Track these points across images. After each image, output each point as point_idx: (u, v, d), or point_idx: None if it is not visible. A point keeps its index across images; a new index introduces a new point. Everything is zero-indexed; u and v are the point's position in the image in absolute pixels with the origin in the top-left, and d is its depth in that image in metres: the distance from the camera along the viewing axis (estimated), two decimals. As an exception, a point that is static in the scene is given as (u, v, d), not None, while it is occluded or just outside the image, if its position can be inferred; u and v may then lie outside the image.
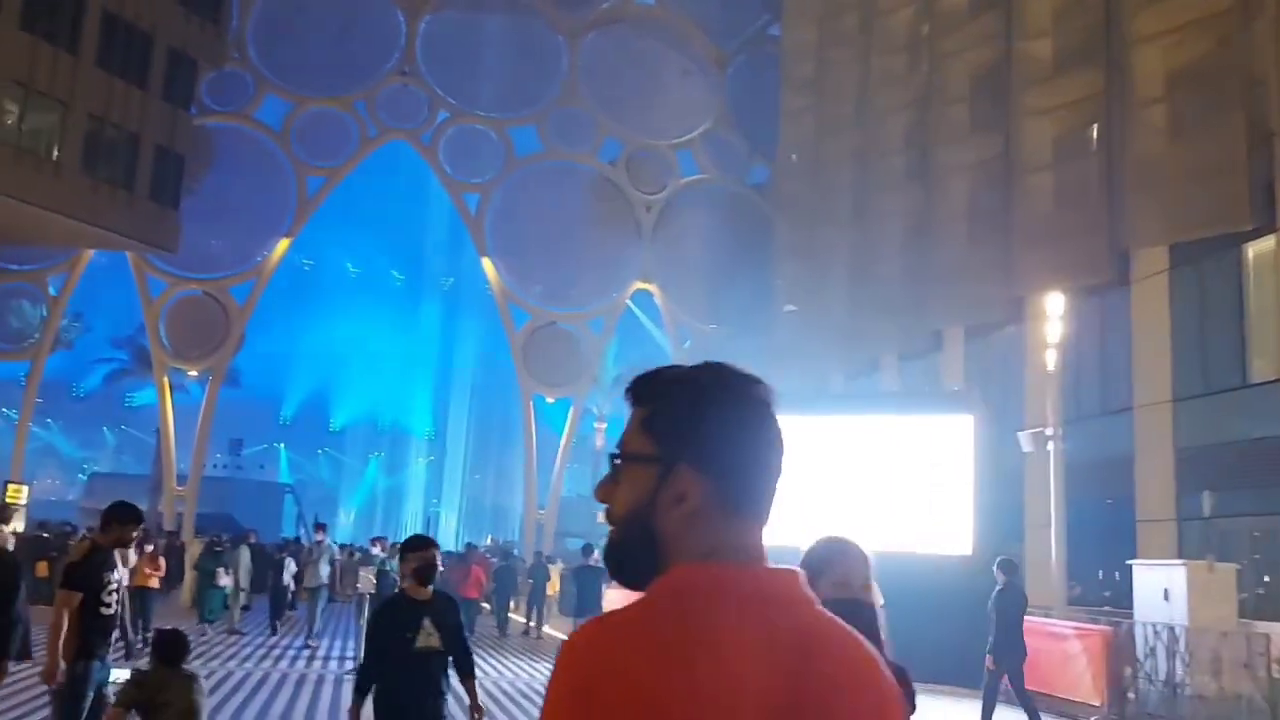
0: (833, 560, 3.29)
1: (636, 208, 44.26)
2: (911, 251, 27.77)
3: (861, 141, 30.48)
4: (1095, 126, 21.67)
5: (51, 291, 39.45)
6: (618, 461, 1.45)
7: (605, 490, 1.45)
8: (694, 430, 1.39)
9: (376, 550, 19.73)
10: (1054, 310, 19.12)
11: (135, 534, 7.98)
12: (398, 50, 43.78)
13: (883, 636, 3.03)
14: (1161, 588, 15.34)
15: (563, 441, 42.87)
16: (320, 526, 21.93)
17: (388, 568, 17.78)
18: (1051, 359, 19.00)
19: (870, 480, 19.42)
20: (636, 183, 44.51)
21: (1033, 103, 22.97)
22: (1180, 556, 17.45)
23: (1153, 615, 15.12)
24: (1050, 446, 19.45)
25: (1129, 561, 17.56)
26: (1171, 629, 14.48)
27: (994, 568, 13.03)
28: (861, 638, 1.39)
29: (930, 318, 26.19)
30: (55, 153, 30.91)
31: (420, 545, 6.31)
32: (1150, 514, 18.92)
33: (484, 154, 44.05)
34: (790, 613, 1.33)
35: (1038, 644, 14.10)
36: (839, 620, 1.38)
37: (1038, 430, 19.73)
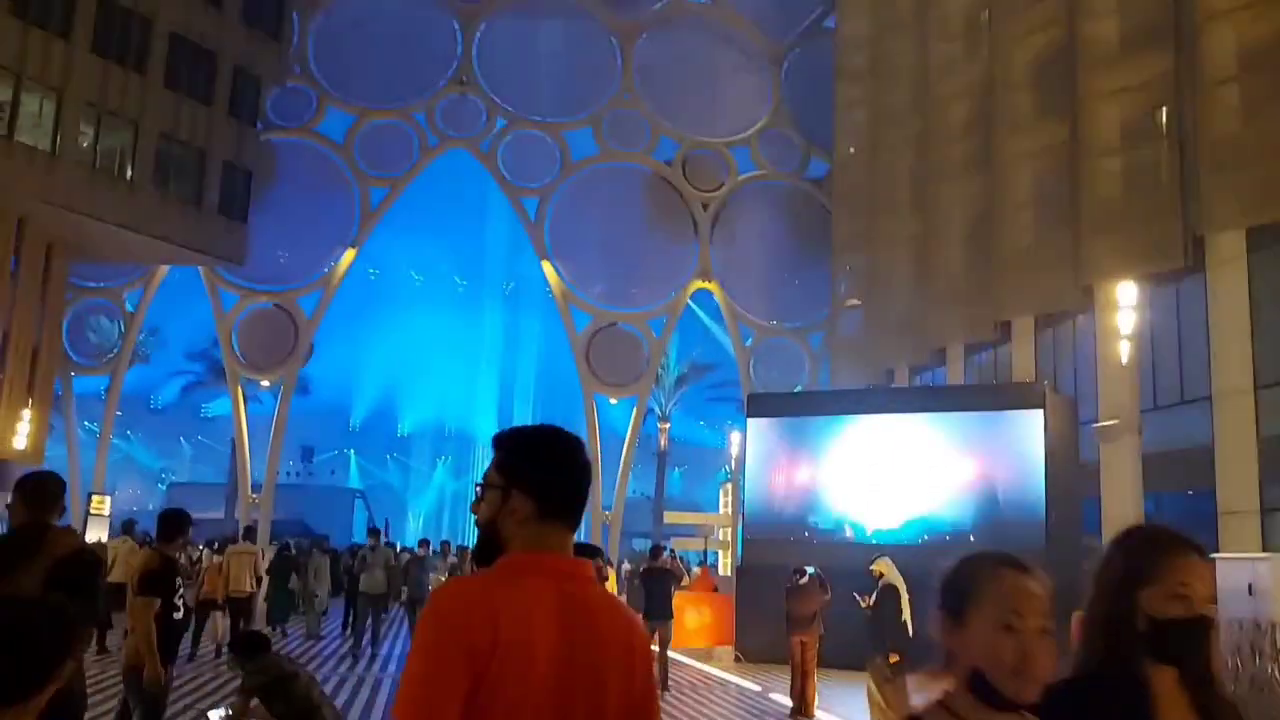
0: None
1: (694, 206, 44.18)
2: (976, 241, 27.33)
3: (921, 131, 30.07)
4: (1165, 108, 21.08)
5: (128, 307, 40.64)
6: (479, 488, 2.25)
7: (475, 507, 2.24)
8: (524, 469, 2.21)
9: (422, 552, 20.12)
10: (1126, 299, 18.66)
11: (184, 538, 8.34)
12: (455, 60, 44.26)
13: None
14: (1246, 582, 14.88)
15: (626, 442, 42.94)
16: (375, 531, 20.91)
17: (460, 572, 18.01)
18: (1125, 349, 18.54)
19: (939, 476, 19.16)
20: (693, 181, 44.43)
21: (1099, 85, 22.44)
22: (1265, 549, 16.91)
23: (1238, 611, 14.67)
24: (1126, 438, 19.01)
25: (1212, 555, 17.07)
26: (1257, 624, 14.04)
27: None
28: (623, 605, 2.34)
29: (997, 308, 25.72)
30: (128, 171, 31.81)
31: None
32: (1233, 505, 18.35)
33: (541, 158, 44.34)
34: (578, 586, 2.15)
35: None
36: (612, 595, 2.36)
37: (1113, 422, 19.28)
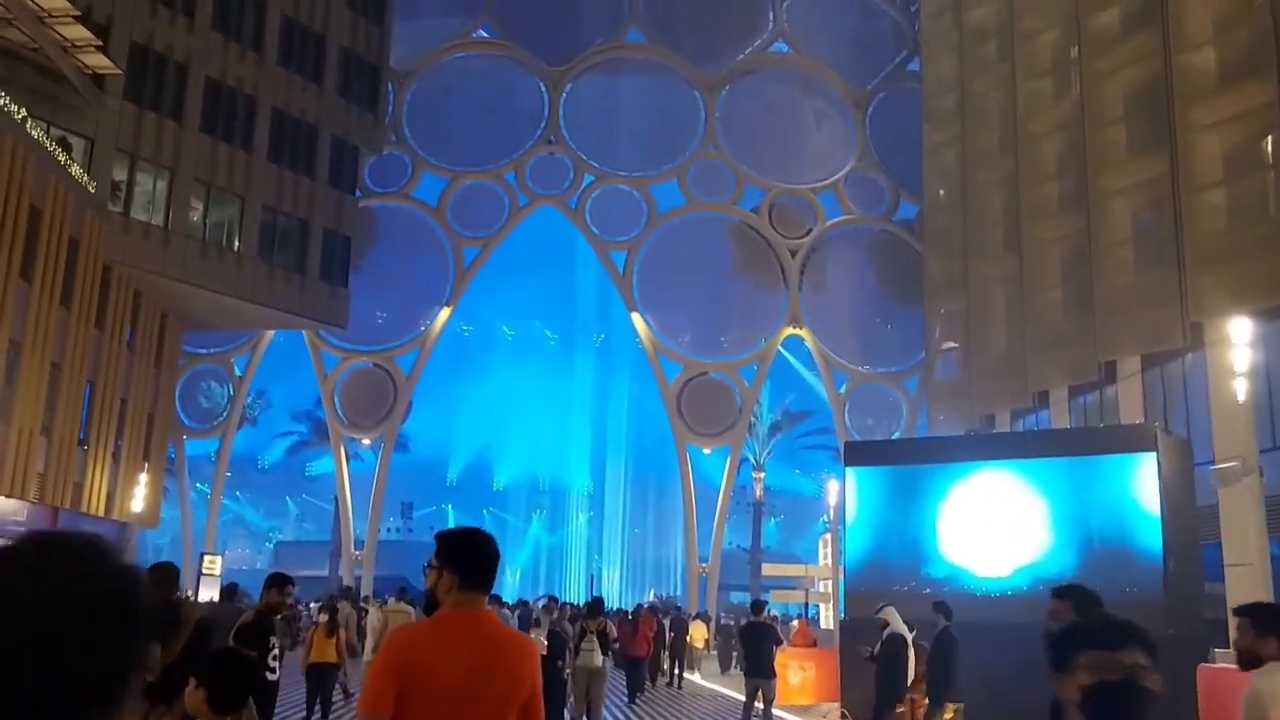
0: None
1: (781, 253, 44.15)
2: (1074, 280, 26.66)
3: (1011, 170, 29.58)
4: (1270, 137, 20.41)
5: (237, 372, 42.23)
6: (427, 568, 3.48)
7: (427, 578, 3.47)
8: (449, 559, 3.40)
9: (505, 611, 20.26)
10: (1239, 335, 17.96)
11: (288, 597, 8.27)
12: (542, 120, 45.35)
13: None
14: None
15: (721, 492, 42.70)
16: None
17: (559, 629, 18.02)
18: (1241, 387, 17.81)
19: (1047, 523, 18.57)
20: (780, 228, 44.46)
21: (1198, 118, 21.85)
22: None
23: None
24: (1246, 480, 18.20)
25: (1345, 602, 16.17)
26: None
27: (932, 608, 12.54)
28: (519, 637, 3.65)
29: (1101, 348, 24.96)
30: (236, 243, 33.22)
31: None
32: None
33: (628, 212, 44.94)
34: (482, 628, 3.38)
35: (1240, 687, 13.07)
36: (511, 631, 3.70)
37: (1231, 464, 18.48)
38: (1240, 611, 5.07)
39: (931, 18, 35.57)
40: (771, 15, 47.99)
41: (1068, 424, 27.00)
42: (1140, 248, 24.38)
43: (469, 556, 3.40)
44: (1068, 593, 6.88)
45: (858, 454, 22.48)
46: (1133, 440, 18.86)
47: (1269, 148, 20.58)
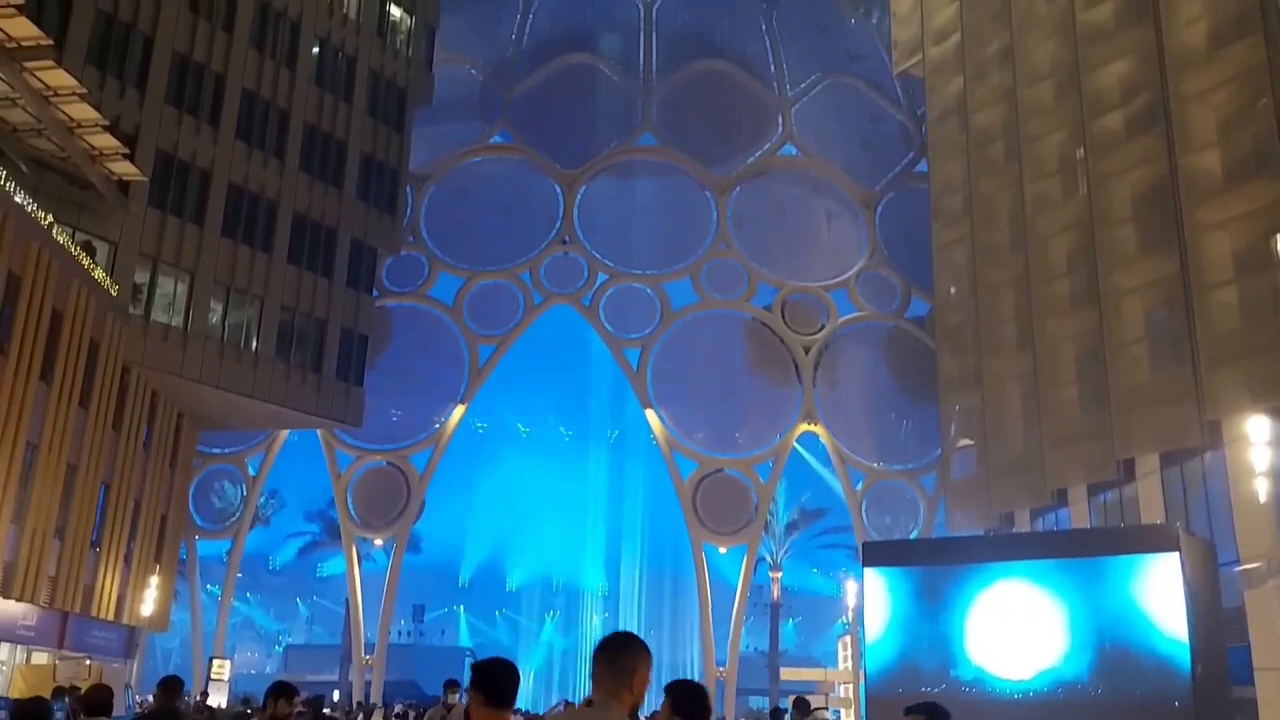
0: None
1: (795, 350, 44.28)
2: (1089, 377, 26.62)
3: (1022, 268, 29.81)
4: (1278, 237, 20.55)
5: (250, 471, 42.22)
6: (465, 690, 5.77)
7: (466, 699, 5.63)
8: (478, 683, 4.18)
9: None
10: (1258, 434, 17.80)
11: (295, 708, 8.24)
12: (557, 221, 46.11)
13: None
14: None
15: (738, 593, 42.01)
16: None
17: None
18: (1262, 486, 17.57)
19: (1069, 625, 18.15)
20: (794, 325, 44.67)
21: (1206, 218, 22.07)
22: None
23: None
24: (1272, 581, 17.81)
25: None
26: None
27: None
28: None
29: (1118, 446, 24.76)
30: (253, 343, 33.59)
31: None
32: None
33: (642, 309, 45.30)
34: None
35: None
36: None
37: (1256, 565, 18.12)
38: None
39: (937, 121, 36.32)
40: (781, 119, 49.09)
41: (1087, 523, 26.64)
42: (1154, 345, 24.39)
43: (496, 682, 4.19)
44: (919, 710, 6.60)
45: (876, 554, 22.14)
46: (1154, 540, 18.53)
47: (1278, 246, 20.69)
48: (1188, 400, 21.98)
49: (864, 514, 42.08)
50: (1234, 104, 22.23)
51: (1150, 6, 24.65)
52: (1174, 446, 23.25)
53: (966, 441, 34.04)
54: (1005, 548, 21.69)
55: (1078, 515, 27.42)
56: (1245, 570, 19.61)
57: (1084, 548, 20.24)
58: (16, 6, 21.67)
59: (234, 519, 41.89)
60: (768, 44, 52.47)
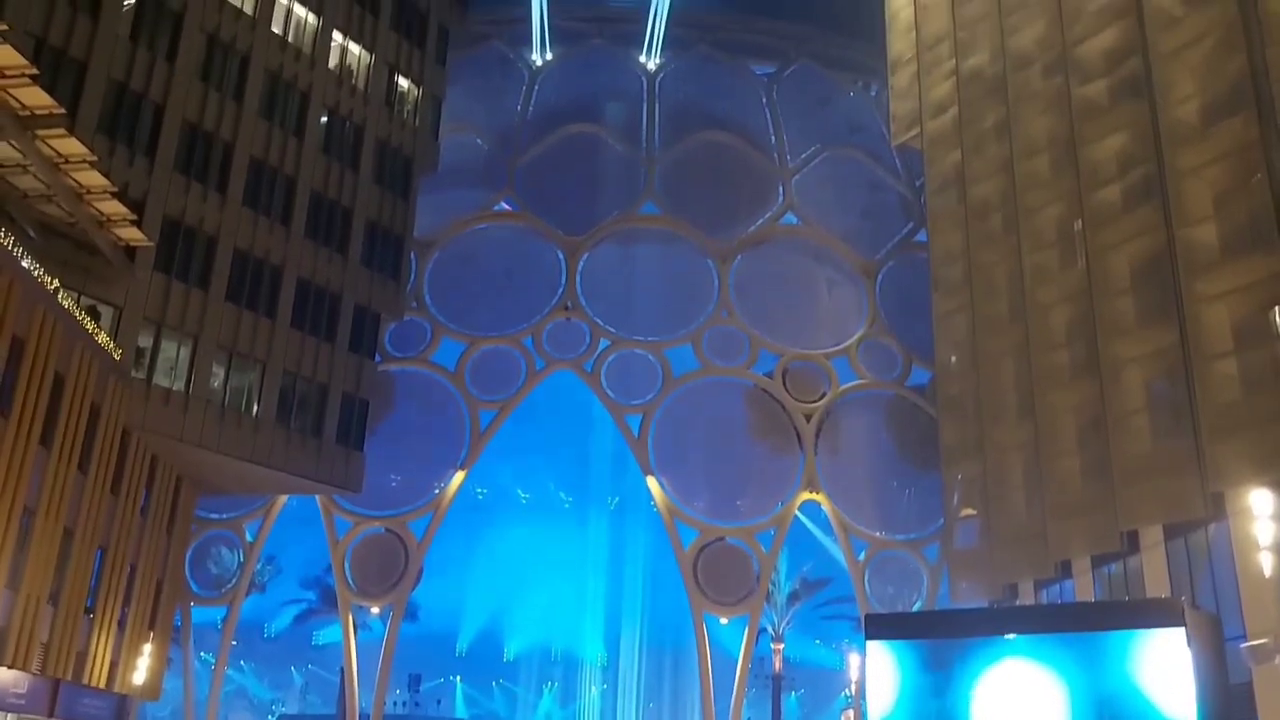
0: None
1: (796, 417, 44.24)
2: (1091, 447, 26.52)
3: (1022, 338, 29.88)
4: (1276, 309, 20.64)
5: (248, 537, 41.89)
6: None
7: None
8: None
9: None
10: (1261, 507, 17.68)
11: None
12: (560, 287, 46.43)
13: None
14: None
15: (740, 665, 41.39)
16: None
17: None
18: (1267, 561, 17.41)
19: (1074, 701, 17.84)
20: (795, 393, 44.69)
21: (1204, 289, 22.19)
22: None
23: None
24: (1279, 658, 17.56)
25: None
26: None
27: None
28: None
29: (1121, 517, 24.57)
30: (255, 408, 33.56)
31: None
32: None
33: (644, 376, 45.38)
34: None
35: None
36: None
37: (1263, 641, 17.87)
38: None
39: (936, 193, 36.72)
40: (781, 189, 49.70)
41: (1091, 595, 26.36)
42: (1156, 416, 24.34)
43: None
44: None
45: (880, 627, 21.82)
46: (1159, 615, 18.29)
47: (1277, 319, 20.77)
48: (1190, 471, 21.87)
49: (867, 584, 41.65)
50: (1229, 178, 22.48)
51: (1144, 83, 25.07)
52: (1177, 518, 23.09)
53: (969, 511, 33.81)
54: (1009, 621, 21.38)
55: (1082, 587, 27.12)
56: (1252, 646, 19.32)
57: (1088, 622, 19.97)
58: (31, 76, 22.08)
59: (230, 585, 41.46)
60: (769, 115, 53.35)
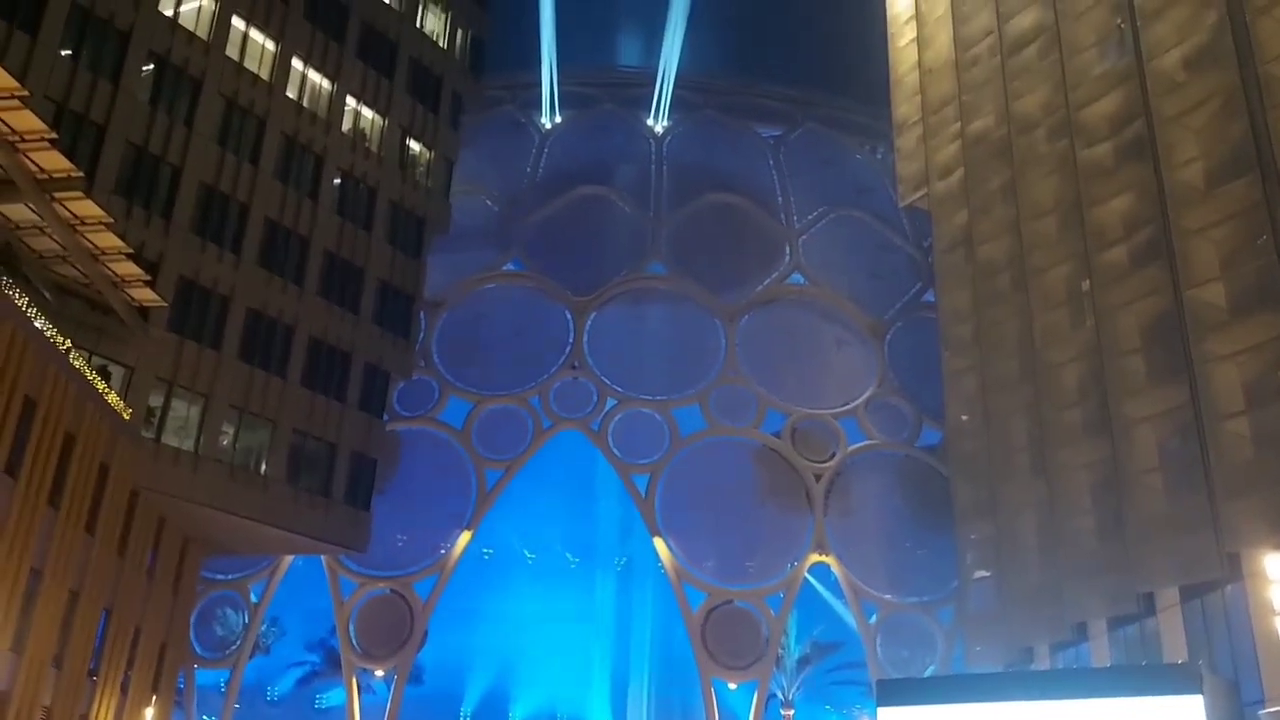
0: None
1: (806, 477, 44.02)
2: (1105, 506, 26.30)
3: (1033, 397, 29.83)
4: (1287, 368, 20.62)
5: (253, 598, 41.55)
6: None
7: None
8: None
9: None
10: (1276, 571, 17.48)
11: None
12: (567, 347, 46.59)
13: None
14: None
15: (749, 731, 40.69)
16: None
17: None
18: (1285, 624, 17.17)
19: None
20: (804, 452, 44.55)
21: (1214, 349, 22.20)
22: None
23: None
24: (1304, 724, 17.22)
25: None
26: None
27: None
28: None
29: (1136, 578, 24.29)
30: (263, 467, 33.50)
31: None
32: None
33: (650, 435, 45.30)
34: None
35: None
36: None
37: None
38: None
39: (944, 252, 36.92)
40: (788, 249, 50.06)
41: (1108, 659, 25.96)
42: (1169, 475, 24.19)
43: None
44: None
45: (892, 693, 21.64)
46: (1176, 682, 18.09)
47: (1288, 378, 20.74)
48: (1205, 531, 21.68)
49: (879, 648, 41.07)
50: (1235, 239, 22.62)
51: (1148, 146, 25.34)
52: (1193, 579, 22.82)
53: (982, 573, 33.44)
54: (1025, 687, 21.15)
55: (1098, 651, 26.72)
56: (1273, 713, 18.99)
57: (1106, 688, 19.73)
58: (50, 140, 22.46)
59: (234, 647, 41.06)
60: (775, 177, 53.95)
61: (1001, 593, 31.15)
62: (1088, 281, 27.23)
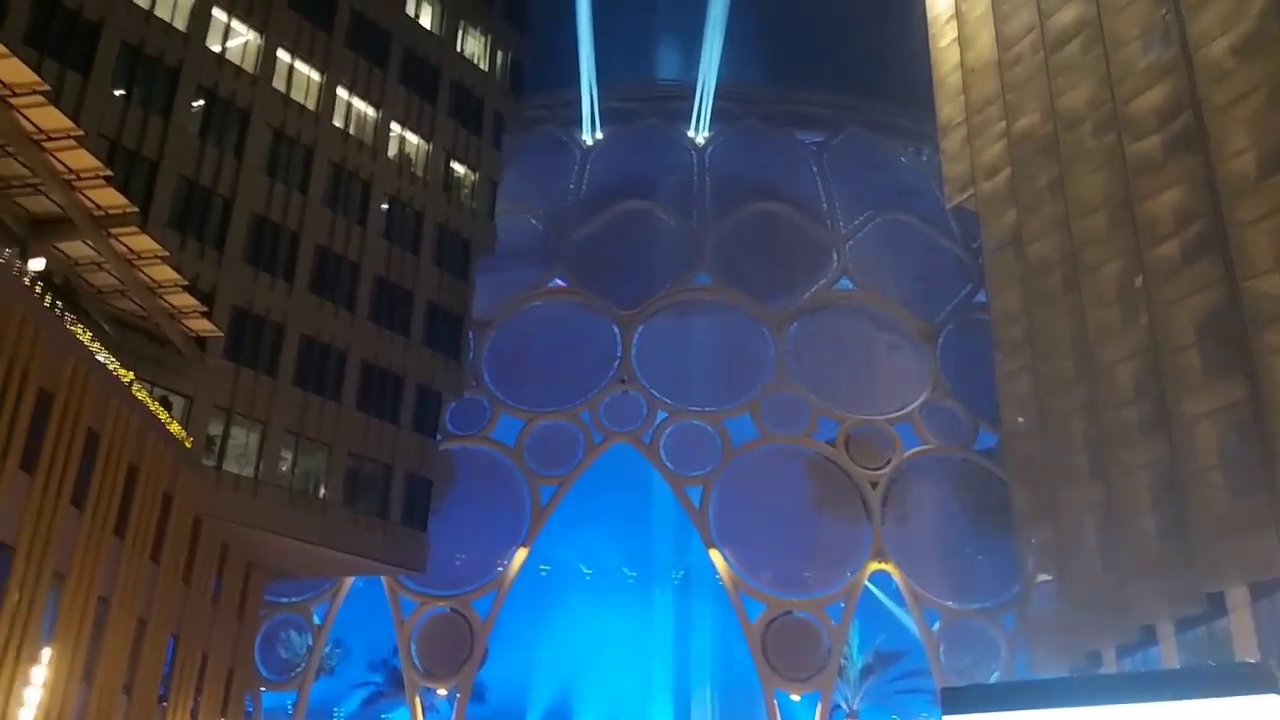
0: None
1: (862, 485, 43.64)
2: (1167, 506, 25.77)
3: (1089, 396, 29.34)
4: (1352, 360, 20.05)
5: (316, 620, 42.14)
6: None
7: None
8: None
9: None
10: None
11: None
12: (616, 361, 46.73)
13: None
14: None
15: (813, 741, 40.34)
16: None
17: None
18: (1361, 622, 16.64)
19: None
20: (859, 460, 44.17)
21: (1274, 341, 21.68)
22: None
23: None
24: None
25: None
26: None
27: None
28: None
29: (1201, 578, 23.74)
30: (321, 491, 34.01)
31: None
32: None
33: (703, 447, 45.22)
34: None
35: None
36: None
37: (1363, 707, 17.00)
38: None
39: (993, 252, 36.47)
40: (835, 255, 49.77)
41: (1177, 661, 25.34)
42: (1231, 472, 23.64)
43: None
44: None
45: (958, 700, 21.33)
46: (1251, 681, 17.63)
47: (1354, 369, 20.17)
48: (1270, 529, 21.16)
49: (942, 656, 40.50)
50: (1293, 227, 22.09)
51: (1198, 137, 24.87)
52: (1260, 577, 22.27)
53: (1045, 577, 32.86)
54: (1094, 691, 20.72)
55: (1167, 653, 26.12)
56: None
57: (1178, 690, 19.25)
58: (105, 178, 23.11)
59: (299, 670, 41.65)
60: (819, 183, 53.72)
61: (1064, 596, 30.59)
62: (1140, 277, 26.76)
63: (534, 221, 51.68)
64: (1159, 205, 26.27)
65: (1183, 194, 25.56)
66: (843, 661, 42.14)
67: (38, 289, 22.19)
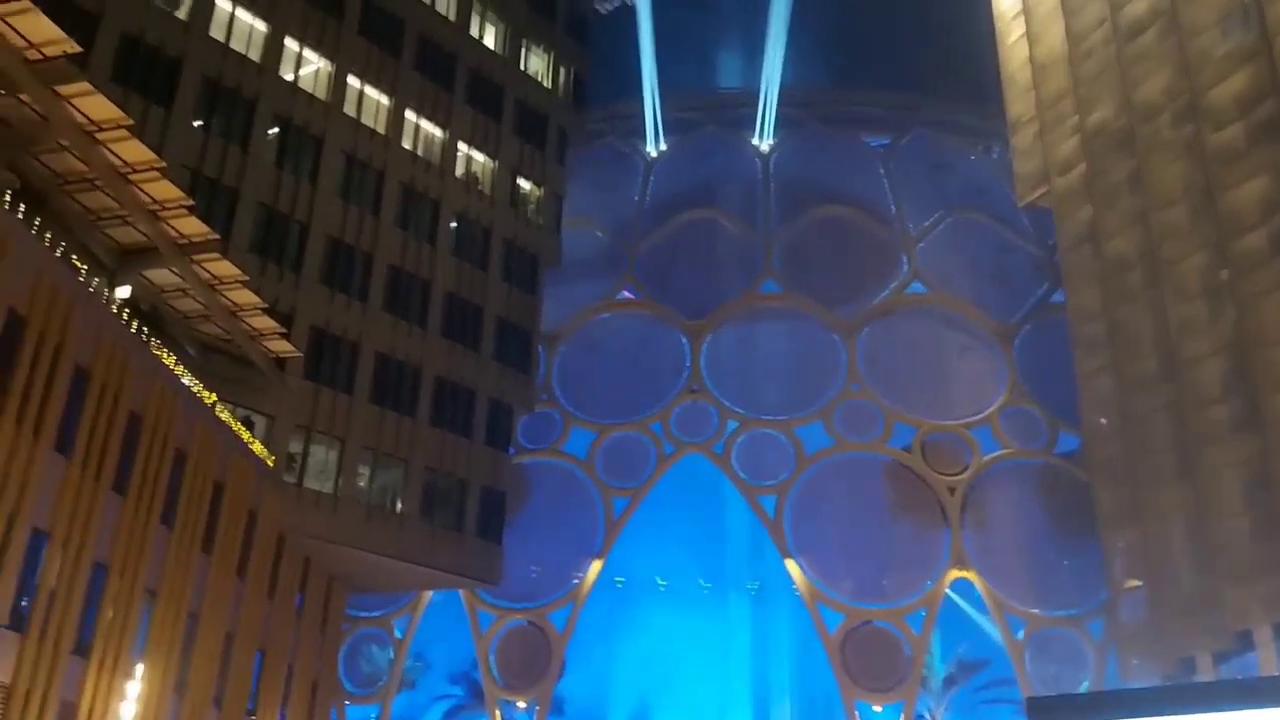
0: None
1: (940, 491, 42.90)
2: (1260, 506, 24.94)
3: (1174, 395, 28.53)
4: None
5: (397, 634, 42.74)
6: None
7: None
8: None
9: None
10: None
11: None
12: (685, 371, 46.69)
13: None
14: None
15: (897, 754, 39.67)
16: None
17: None
18: None
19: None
20: (936, 466, 43.45)
21: (1372, 333, 20.81)
22: None
23: None
24: None
25: None
26: None
27: None
28: None
29: (1304, 582, 22.87)
30: (399, 505, 34.54)
31: None
32: None
33: (775, 456, 44.88)
34: None
35: None
36: None
37: None
38: None
39: (1069, 250, 35.71)
40: (905, 258, 49.12)
41: (1276, 667, 24.41)
42: (1331, 470, 22.72)
43: None
44: None
45: (1045, 711, 20.83)
46: (1360, 689, 16.90)
47: None
48: (1378, 529, 20.26)
49: (1027, 665, 39.54)
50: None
51: (1283, 123, 24.07)
52: (1368, 581, 21.33)
53: (1134, 583, 31.94)
54: (1189, 699, 20.07)
55: (1265, 658, 25.18)
56: None
57: (1279, 696, 18.54)
58: (187, 208, 23.84)
59: (382, 683, 42.26)
60: (886, 186, 53.11)
61: (1155, 602, 29.72)
62: (1225, 271, 25.94)
63: (599, 234, 51.92)
64: (1242, 196, 25.47)
65: (1267, 183, 24.76)
66: (925, 671, 41.40)
67: (125, 316, 22.95)
